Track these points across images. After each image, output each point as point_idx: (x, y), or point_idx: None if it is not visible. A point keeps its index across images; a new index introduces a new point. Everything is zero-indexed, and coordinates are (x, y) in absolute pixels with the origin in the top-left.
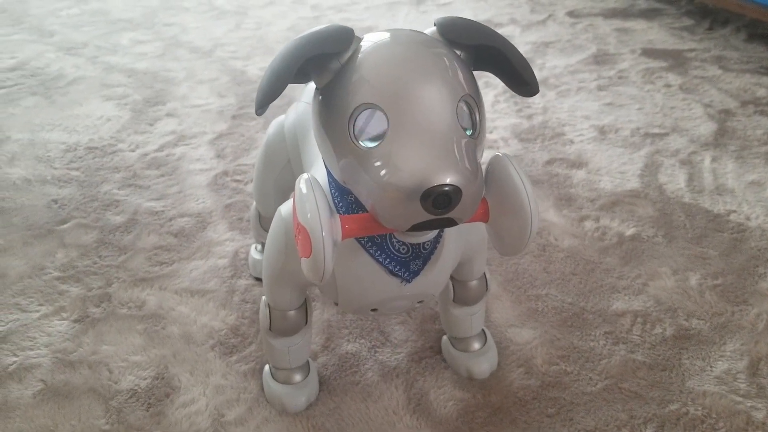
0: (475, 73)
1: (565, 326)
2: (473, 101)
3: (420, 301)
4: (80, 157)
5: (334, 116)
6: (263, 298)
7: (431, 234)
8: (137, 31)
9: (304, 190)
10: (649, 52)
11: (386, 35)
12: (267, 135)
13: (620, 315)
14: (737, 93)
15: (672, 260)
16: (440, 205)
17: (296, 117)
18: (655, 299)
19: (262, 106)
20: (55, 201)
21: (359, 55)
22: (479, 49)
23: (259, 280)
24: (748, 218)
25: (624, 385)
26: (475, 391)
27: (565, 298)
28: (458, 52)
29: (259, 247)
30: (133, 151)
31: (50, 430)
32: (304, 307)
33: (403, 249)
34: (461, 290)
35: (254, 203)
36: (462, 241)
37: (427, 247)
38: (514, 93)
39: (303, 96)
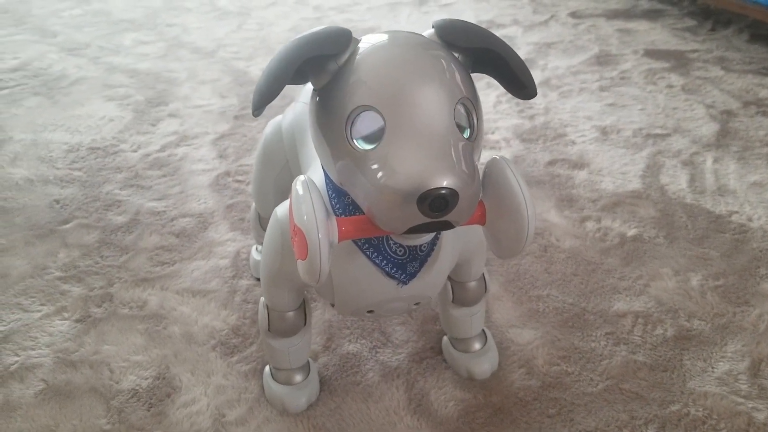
0: (474, 74)
1: (566, 327)
2: (471, 104)
3: (417, 303)
4: (82, 158)
5: (332, 118)
6: (262, 299)
7: (428, 236)
8: (139, 32)
9: (301, 192)
10: (651, 53)
11: (384, 37)
12: (264, 136)
13: (621, 316)
14: (739, 94)
15: (673, 261)
16: (437, 208)
17: (294, 117)
18: (656, 300)
19: (259, 108)
20: (57, 201)
21: (357, 57)
22: (477, 52)
23: (260, 280)
24: (749, 219)
25: (625, 385)
26: (475, 391)
27: (566, 298)
28: (456, 55)
29: (260, 247)
30: (135, 151)
31: (51, 429)
32: (303, 308)
33: (400, 251)
34: (460, 291)
35: (254, 204)
36: (459, 243)
37: (423, 249)
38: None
39: (301, 96)
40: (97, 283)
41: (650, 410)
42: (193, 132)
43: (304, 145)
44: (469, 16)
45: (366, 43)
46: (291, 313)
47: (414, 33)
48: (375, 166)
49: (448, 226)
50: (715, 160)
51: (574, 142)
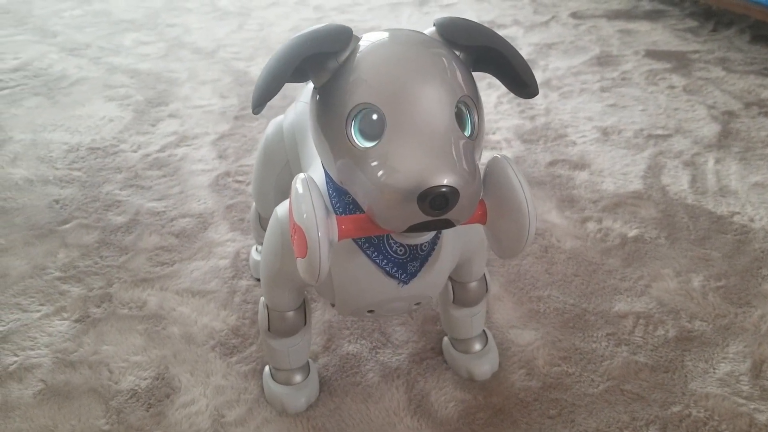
0: (476, 74)
1: (567, 327)
2: (472, 102)
3: (417, 303)
4: (82, 158)
5: (332, 116)
6: (262, 298)
7: (429, 235)
8: (140, 32)
9: (301, 190)
10: (652, 54)
11: (385, 35)
12: (265, 135)
13: (622, 316)
14: (741, 94)
15: (675, 262)
16: (437, 206)
17: (295, 117)
18: (657, 301)
19: (258, 105)
20: (57, 201)
21: (357, 55)
22: (479, 50)
23: (259, 280)
24: (751, 220)
25: (626, 386)
26: (476, 392)
27: (567, 299)
28: (458, 53)
29: (260, 248)
30: (135, 151)
31: (50, 430)
32: (303, 308)
33: (401, 250)
34: (461, 292)
35: (254, 204)
36: (460, 243)
37: (424, 248)
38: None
39: (302, 96)
40: (97, 284)
41: (651, 411)
42: (193, 132)
43: (305, 145)
44: (470, 16)
45: (366, 41)
46: (291, 313)
47: (415, 31)
48: (375, 164)
49: (449, 224)
50: (717, 161)
51: (575, 143)
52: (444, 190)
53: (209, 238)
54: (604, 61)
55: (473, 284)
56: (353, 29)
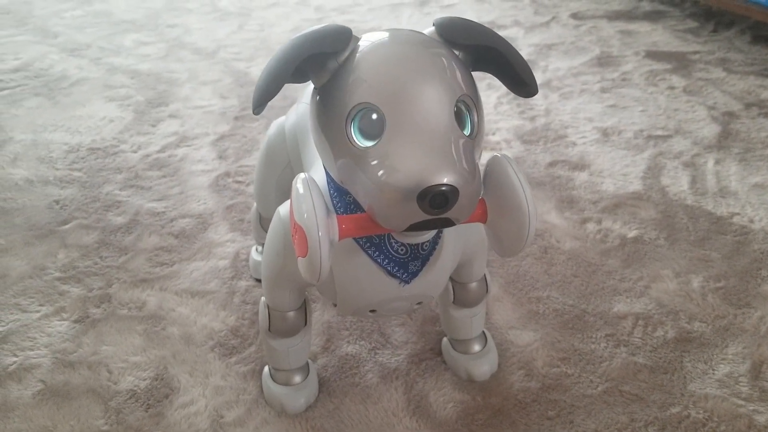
0: (476, 74)
1: (566, 328)
2: (471, 101)
3: (419, 303)
4: (82, 158)
5: (332, 116)
6: (262, 299)
7: (429, 234)
8: (140, 33)
9: (301, 190)
10: (652, 54)
11: (384, 35)
12: (267, 136)
13: (622, 317)
14: (741, 95)
15: (674, 263)
16: (437, 205)
17: (297, 118)
18: (656, 302)
19: (259, 105)
20: (57, 201)
21: (357, 55)
22: (478, 50)
23: (259, 281)
24: (751, 221)
25: (625, 387)
26: (475, 393)
27: (566, 300)
28: (457, 53)
29: (260, 248)
30: (135, 152)
31: (49, 430)
32: (304, 308)
33: (402, 250)
34: (461, 292)
35: (255, 204)
36: (461, 242)
37: (425, 248)
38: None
39: (303, 97)
40: (96, 284)
41: (650, 412)
42: (194, 133)
43: (306, 145)
44: (471, 17)
45: (366, 41)
46: (292, 313)
47: (414, 31)
48: (375, 164)
49: (449, 223)
50: (717, 162)
51: (574, 144)
52: (443, 188)
53: (209, 239)
54: (604, 61)
55: (473, 285)
56: (353, 30)
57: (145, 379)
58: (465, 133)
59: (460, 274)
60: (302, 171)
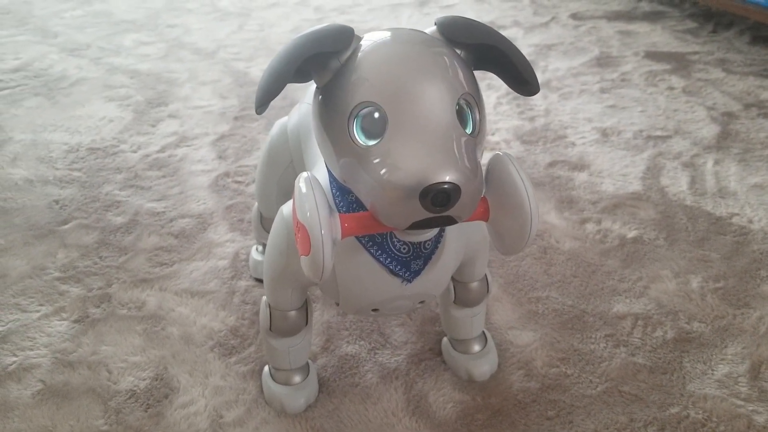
0: (476, 74)
1: (566, 329)
2: (473, 100)
3: (421, 302)
4: (82, 158)
5: (334, 115)
6: (264, 298)
7: (431, 233)
8: (140, 33)
9: (304, 189)
10: (652, 55)
11: (386, 34)
12: (270, 136)
13: (621, 318)
14: (740, 96)
15: (673, 263)
16: (439, 202)
17: (299, 118)
18: (656, 302)
19: (261, 105)
20: (57, 201)
21: (359, 54)
22: (480, 48)
23: (259, 281)
24: (750, 221)
25: (624, 388)
26: (474, 393)
27: (565, 300)
28: (459, 52)
29: (260, 248)
30: (134, 152)
31: (49, 430)
32: (305, 308)
33: (404, 249)
34: (462, 292)
35: (256, 204)
36: (463, 241)
37: (428, 246)
38: (516, 95)
39: (305, 97)
40: (96, 284)
41: (650, 413)
42: (193, 133)
43: (309, 144)
44: (470, 17)
45: (368, 40)
46: (293, 313)
47: (416, 30)
48: (377, 162)
49: (451, 221)
50: (716, 162)
51: (574, 144)
52: (445, 186)
53: (208, 239)
54: (603, 62)
55: (475, 284)
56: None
57: (144, 379)
58: (467, 131)
59: (461, 274)
60: (304, 170)
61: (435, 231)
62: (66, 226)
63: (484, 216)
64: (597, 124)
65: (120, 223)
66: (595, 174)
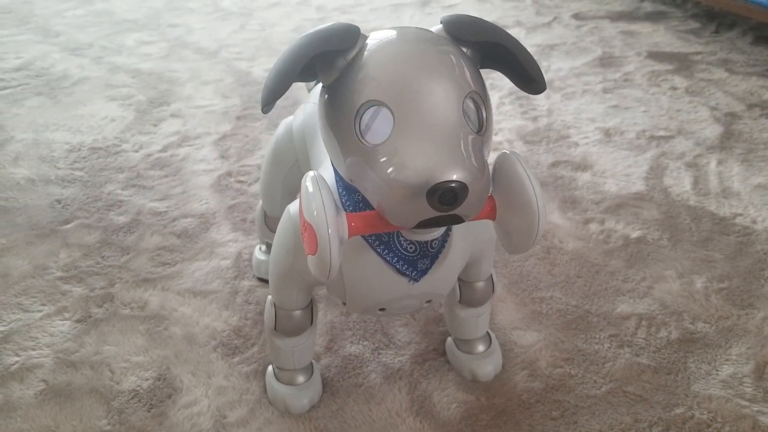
0: (481, 72)
1: (570, 329)
2: (480, 98)
3: (428, 301)
4: (84, 158)
5: (340, 114)
6: (269, 297)
7: (438, 232)
8: (142, 32)
9: (311, 188)
10: (654, 55)
11: (392, 33)
12: (275, 135)
13: (625, 318)
14: (743, 96)
15: (677, 263)
16: (446, 201)
17: (304, 118)
18: (660, 302)
19: (267, 104)
20: (59, 201)
21: (365, 53)
22: (486, 47)
23: (262, 281)
24: (754, 221)
25: (629, 388)
26: (479, 393)
27: (569, 300)
28: (465, 50)
29: (263, 247)
30: (136, 151)
31: (51, 430)
32: (310, 308)
33: (411, 248)
34: (468, 291)
35: (260, 203)
36: (470, 240)
37: (434, 245)
38: (519, 94)
39: (311, 97)
40: (98, 284)
41: (654, 413)
42: (195, 132)
43: (314, 144)
44: None
45: (374, 39)
46: (298, 312)
47: (422, 28)
48: (384, 161)
49: (458, 220)
50: (719, 162)
51: (577, 144)
52: (453, 185)
53: (211, 239)
54: (606, 62)
55: (480, 284)
56: None
57: (147, 379)
58: (474, 129)
59: (467, 273)
60: (310, 170)
61: (442, 230)
62: (68, 226)
63: (491, 215)
64: (600, 124)
65: (122, 222)
66: (598, 174)
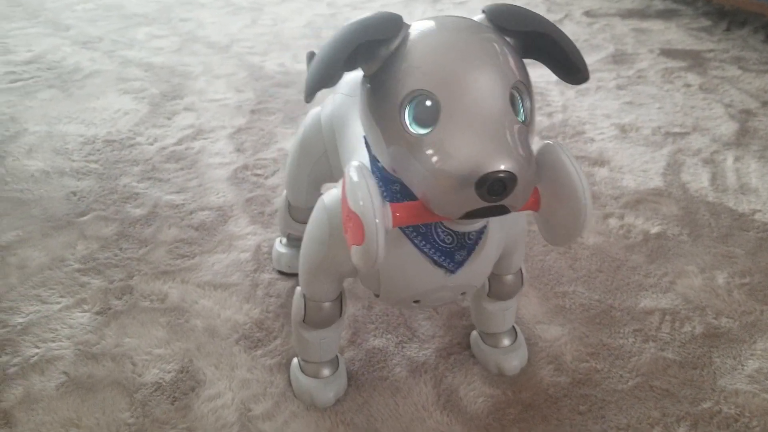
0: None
1: (594, 323)
2: (524, 87)
3: (463, 293)
4: (98, 150)
5: (384, 103)
6: (298, 289)
7: (480, 223)
8: (153, 26)
9: (356, 178)
10: (667, 52)
11: (435, 22)
12: (303, 126)
13: (648, 313)
14: (757, 93)
15: (698, 258)
16: (495, 191)
17: (333, 108)
18: (683, 297)
19: (311, 94)
20: (74, 193)
21: (408, 42)
22: (528, 36)
23: (283, 274)
24: None
25: (655, 383)
26: (505, 387)
27: (592, 295)
28: (507, 39)
29: (284, 240)
30: (151, 144)
31: (74, 423)
32: (340, 300)
33: (448, 239)
34: (497, 284)
35: (284, 193)
36: (504, 232)
37: (471, 237)
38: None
39: (340, 87)
40: (117, 276)
41: (681, 408)
42: (210, 126)
43: (344, 135)
44: None
45: (416, 28)
46: (328, 304)
47: (464, 17)
48: (430, 151)
49: (505, 210)
50: (736, 159)
51: (593, 140)
52: (502, 175)
53: (229, 231)
54: (619, 59)
55: (510, 277)
56: None
57: (170, 372)
58: (519, 119)
59: (498, 266)
60: (339, 161)
61: (483, 221)
62: (84, 218)
63: (535, 206)
64: (615, 120)
65: (139, 215)
66: (616, 170)
